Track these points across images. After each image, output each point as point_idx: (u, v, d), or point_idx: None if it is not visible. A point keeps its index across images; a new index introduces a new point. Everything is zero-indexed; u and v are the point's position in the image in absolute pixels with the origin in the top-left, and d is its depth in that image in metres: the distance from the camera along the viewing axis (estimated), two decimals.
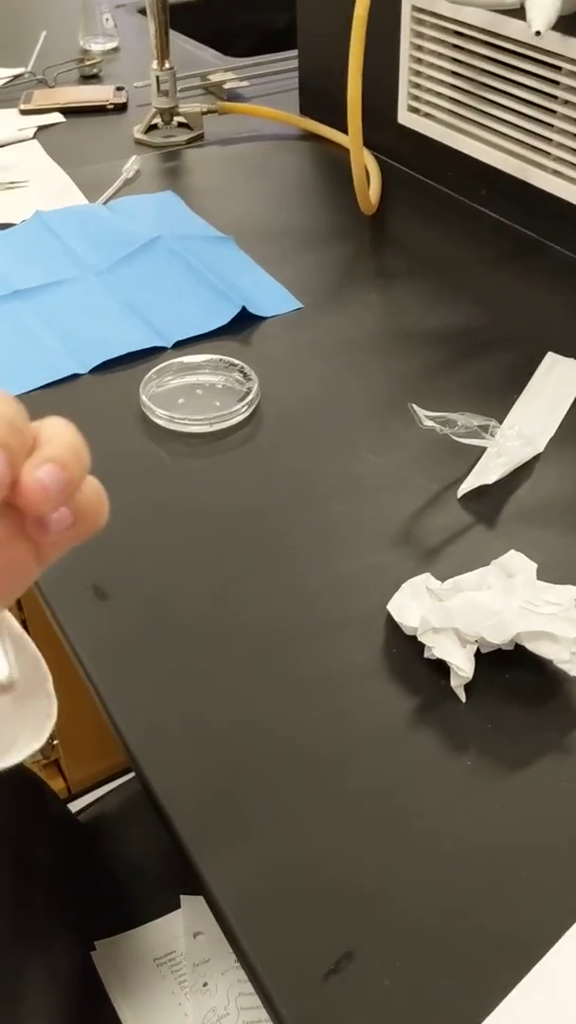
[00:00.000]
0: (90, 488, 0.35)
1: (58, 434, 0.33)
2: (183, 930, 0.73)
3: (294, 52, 1.41)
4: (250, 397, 0.81)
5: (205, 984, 0.70)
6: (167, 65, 1.27)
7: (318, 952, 0.47)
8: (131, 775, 0.89)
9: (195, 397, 0.83)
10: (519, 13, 0.90)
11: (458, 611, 0.58)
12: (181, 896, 0.75)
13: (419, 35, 1.10)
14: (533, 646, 0.57)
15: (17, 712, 0.39)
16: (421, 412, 0.69)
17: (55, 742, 1.26)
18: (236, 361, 0.85)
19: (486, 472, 0.72)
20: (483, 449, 0.75)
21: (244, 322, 0.92)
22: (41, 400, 0.84)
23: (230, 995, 0.69)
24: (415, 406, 0.70)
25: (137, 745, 0.57)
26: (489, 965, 0.46)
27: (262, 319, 0.93)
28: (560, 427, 0.78)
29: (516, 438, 0.74)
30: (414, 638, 0.60)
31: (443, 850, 0.51)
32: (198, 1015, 0.68)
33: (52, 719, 0.38)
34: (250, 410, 0.81)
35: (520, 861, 0.50)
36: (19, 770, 0.74)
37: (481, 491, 0.72)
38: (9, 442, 0.30)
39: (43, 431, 0.33)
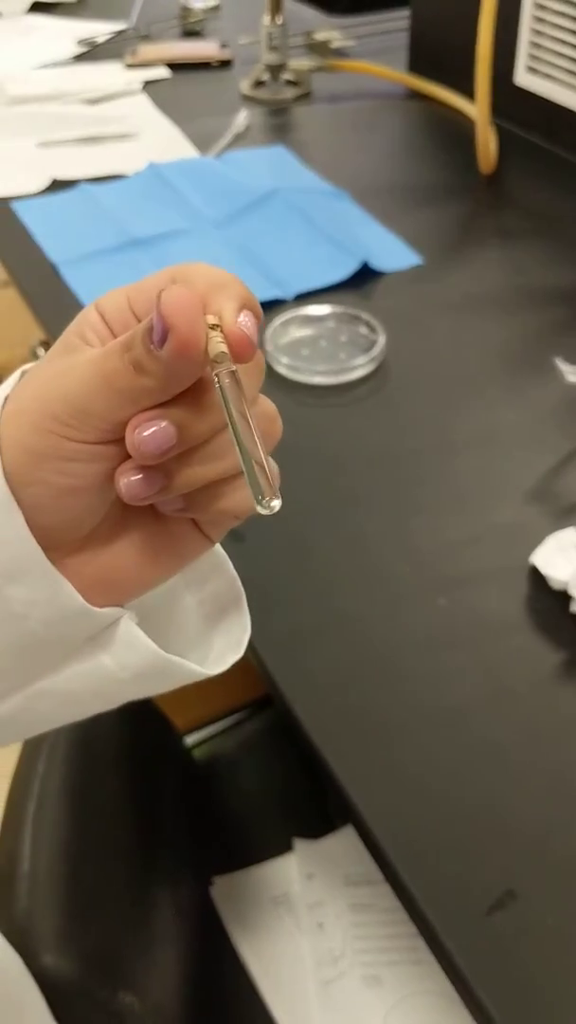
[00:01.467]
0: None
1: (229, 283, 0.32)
2: (297, 871, 0.74)
3: (399, 12, 1.39)
4: (376, 350, 0.81)
5: (320, 925, 0.71)
6: (279, 20, 1.26)
7: (479, 889, 0.47)
8: (237, 717, 0.90)
9: (319, 348, 0.83)
10: None
11: None
12: (294, 839, 0.75)
13: None
14: None
15: (217, 626, 0.40)
16: (565, 367, 0.69)
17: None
18: (362, 314, 0.85)
19: None
20: None
21: (364, 276, 0.92)
22: None
23: (345, 938, 0.70)
24: (560, 361, 0.69)
25: (283, 680, 0.57)
26: None
27: (382, 274, 0.93)
28: None
29: None
30: (558, 593, 0.60)
31: None
32: (314, 954, 0.69)
33: (247, 632, 0.39)
34: (376, 363, 0.81)
35: None
36: (149, 703, 0.75)
37: None
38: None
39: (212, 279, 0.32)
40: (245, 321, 0.31)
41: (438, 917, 0.46)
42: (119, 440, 0.31)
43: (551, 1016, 0.43)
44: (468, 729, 0.54)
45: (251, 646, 0.60)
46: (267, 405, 0.34)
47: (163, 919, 0.64)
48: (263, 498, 0.29)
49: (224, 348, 0.30)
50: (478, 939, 0.45)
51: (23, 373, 0.34)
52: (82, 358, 0.31)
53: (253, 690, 0.91)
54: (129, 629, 0.35)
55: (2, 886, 0.57)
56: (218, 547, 0.39)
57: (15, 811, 0.60)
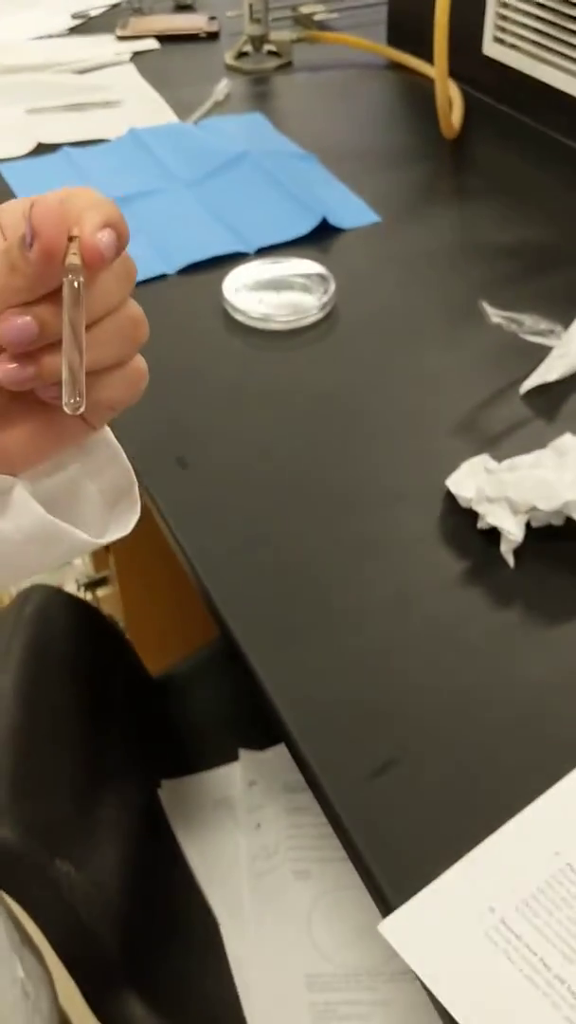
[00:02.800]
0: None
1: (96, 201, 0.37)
2: (240, 778, 0.80)
3: None
4: (327, 298, 0.86)
5: (258, 825, 0.77)
6: None
7: (367, 757, 0.53)
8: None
9: (275, 298, 0.88)
10: None
11: (511, 483, 0.62)
12: (240, 749, 0.81)
13: None
14: None
15: (113, 511, 0.45)
16: (491, 309, 0.74)
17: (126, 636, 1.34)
18: (315, 265, 0.90)
19: (549, 371, 0.76)
20: (547, 351, 0.79)
21: (324, 232, 0.97)
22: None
23: (279, 836, 0.76)
24: (485, 303, 0.74)
25: (214, 588, 0.63)
26: (522, 773, 0.51)
27: (341, 230, 0.98)
28: None
29: None
30: (468, 511, 0.66)
31: (482, 683, 0.56)
32: (250, 851, 0.75)
33: (137, 515, 0.44)
34: (327, 311, 0.86)
35: (555, 694, 0.55)
36: (99, 616, 0.81)
37: (543, 388, 0.76)
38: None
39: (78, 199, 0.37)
40: (102, 236, 0.36)
41: (328, 781, 0.52)
42: None
43: (419, 865, 0.48)
44: (374, 625, 0.60)
45: (189, 563, 0.65)
46: (134, 309, 0.39)
47: (108, 808, 0.70)
48: (63, 400, 0.35)
49: (76, 260, 0.35)
50: (360, 800, 0.51)
51: None
52: None
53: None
54: (22, 495, 0.40)
55: None
56: (114, 441, 0.45)
57: None
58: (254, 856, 0.75)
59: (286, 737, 0.55)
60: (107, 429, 0.45)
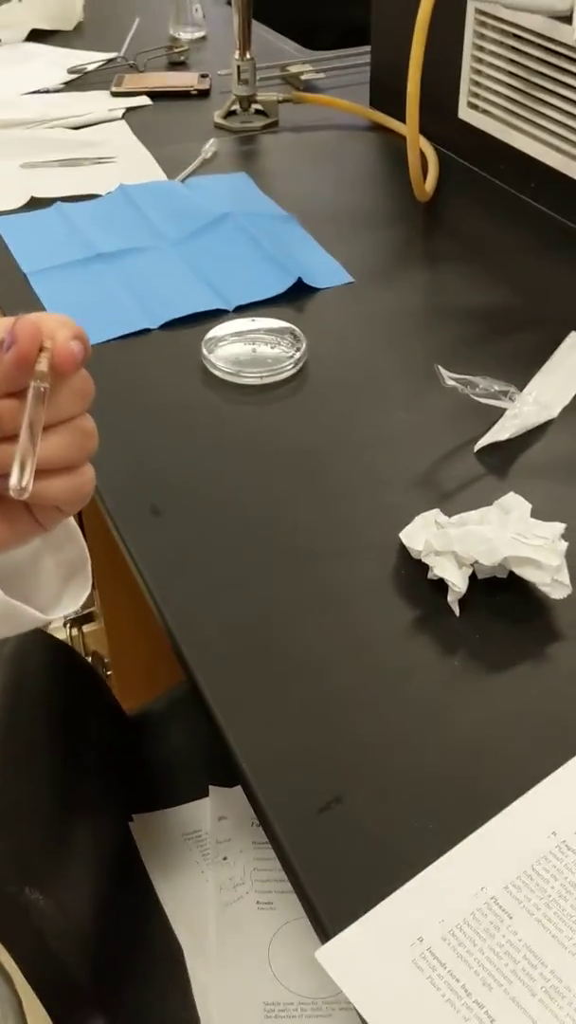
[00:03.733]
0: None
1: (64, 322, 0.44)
2: (210, 813, 0.84)
3: (363, 48, 1.50)
4: (298, 355, 0.91)
5: (225, 858, 0.81)
6: (248, 56, 1.37)
7: (314, 796, 0.57)
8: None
9: (250, 354, 0.93)
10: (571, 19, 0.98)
11: (457, 537, 0.67)
12: (210, 786, 0.85)
13: (481, 36, 1.19)
14: (520, 571, 0.66)
15: (68, 585, 0.51)
16: (445, 373, 0.79)
17: (108, 672, 1.38)
18: (288, 324, 0.95)
19: (502, 430, 0.81)
20: (502, 412, 0.84)
21: (300, 292, 1.02)
22: (115, 349, 0.95)
23: (246, 869, 0.80)
24: (440, 367, 0.79)
25: (180, 633, 0.67)
26: (455, 814, 0.56)
27: (316, 290, 1.03)
28: (575, 397, 0.87)
29: (533, 403, 0.83)
30: (420, 563, 0.70)
31: (427, 726, 0.61)
32: (217, 882, 0.79)
33: (87, 591, 0.50)
34: (298, 367, 0.91)
35: (490, 741, 0.60)
36: (74, 655, 0.86)
37: (496, 447, 0.81)
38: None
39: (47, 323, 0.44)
40: (73, 344, 0.43)
41: (276, 816, 0.56)
42: None
43: (357, 897, 0.53)
44: (328, 674, 0.64)
45: (157, 608, 0.70)
46: (88, 423, 0.45)
47: (80, 842, 0.74)
48: (11, 482, 0.41)
49: (44, 368, 0.42)
50: (306, 834, 0.55)
51: None
52: None
53: None
54: None
55: None
56: (71, 521, 0.50)
57: None
58: (220, 887, 0.79)
59: (240, 777, 0.59)
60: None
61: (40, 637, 0.81)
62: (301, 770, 0.59)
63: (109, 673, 1.38)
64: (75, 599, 0.50)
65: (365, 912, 0.52)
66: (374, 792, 0.57)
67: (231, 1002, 0.73)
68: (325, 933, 0.51)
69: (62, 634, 1.36)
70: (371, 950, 0.50)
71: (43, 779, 0.74)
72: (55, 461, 0.44)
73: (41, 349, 0.42)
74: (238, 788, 0.86)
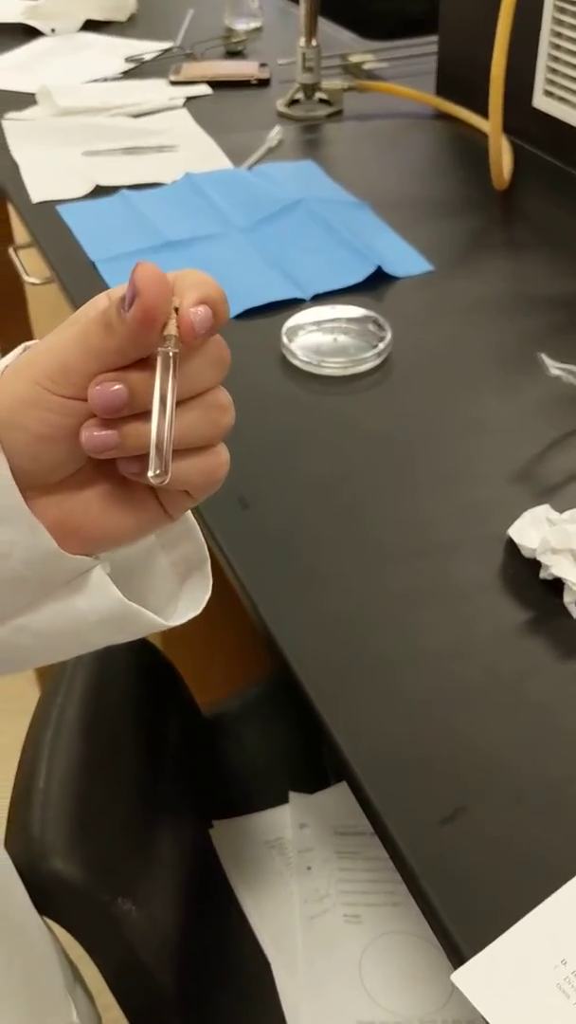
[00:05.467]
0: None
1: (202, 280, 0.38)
2: (290, 821, 0.80)
3: (430, 38, 1.47)
4: (382, 345, 0.88)
5: (309, 868, 0.77)
6: (313, 43, 1.34)
7: (435, 805, 0.53)
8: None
9: (331, 344, 0.90)
10: None
11: None
12: (290, 792, 0.82)
13: (559, 23, 1.15)
14: None
15: (184, 585, 0.46)
16: (549, 361, 0.75)
17: None
18: (371, 313, 0.92)
19: None
20: None
21: (378, 280, 0.99)
22: None
23: (331, 880, 0.76)
24: (544, 355, 0.75)
25: (275, 628, 0.64)
26: None
27: (395, 279, 1.00)
28: None
29: None
30: (530, 561, 0.66)
31: (548, 732, 0.57)
32: (301, 893, 0.76)
33: (208, 592, 0.45)
34: (382, 358, 0.88)
35: None
36: (157, 654, 0.82)
37: None
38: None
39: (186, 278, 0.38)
40: (199, 311, 0.36)
41: (397, 828, 0.53)
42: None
43: (489, 913, 0.49)
44: (435, 674, 0.61)
45: (251, 602, 0.67)
46: (223, 396, 0.39)
47: (164, 846, 0.71)
48: (150, 470, 0.36)
49: (175, 332, 0.36)
50: (431, 846, 0.52)
51: (25, 348, 0.40)
52: (77, 324, 0.37)
53: (266, 671, 0.98)
54: (100, 577, 0.40)
55: (20, 800, 0.64)
56: (189, 516, 0.45)
57: (35, 736, 0.67)
58: (305, 899, 0.75)
59: (351, 779, 0.56)
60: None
61: None
62: (418, 777, 0.55)
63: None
64: (196, 602, 0.45)
65: (501, 932, 0.48)
66: (500, 801, 0.54)
67: (322, 1021, 0.69)
68: (458, 954, 0.48)
69: None
70: (511, 973, 0.46)
71: (127, 781, 0.71)
72: (189, 440, 0.38)
73: (172, 310, 0.36)
74: (319, 794, 0.83)
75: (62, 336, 0.37)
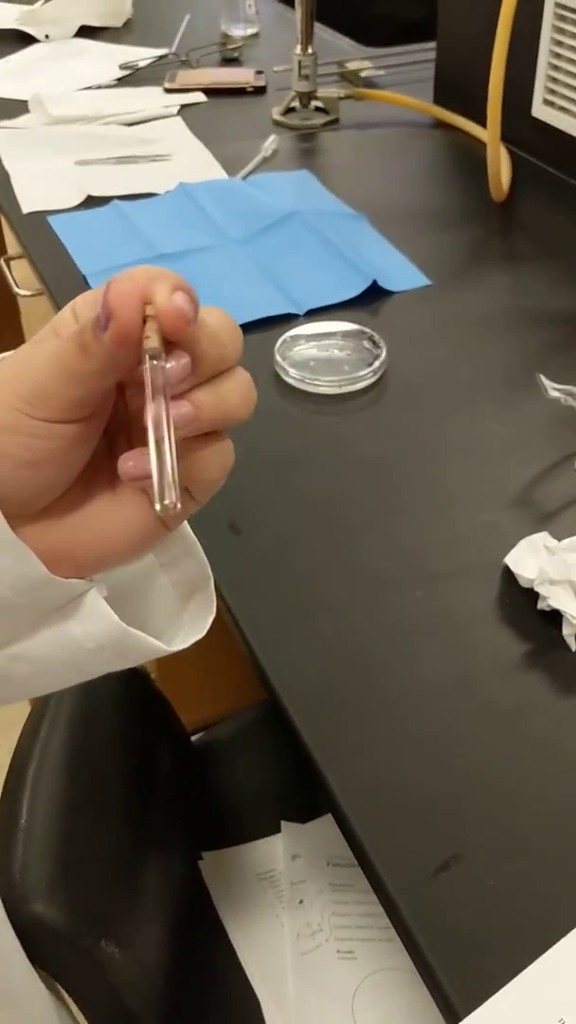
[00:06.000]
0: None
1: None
2: (283, 852, 0.78)
3: (428, 44, 1.45)
4: (378, 363, 0.86)
5: (301, 901, 0.75)
6: (310, 51, 1.32)
7: (429, 852, 0.51)
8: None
9: (325, 361, 0.88)
10: None
11: (575, 564, 0.61)
12: (282, 822, 0.80)
13: (560, 31, 1.13)
14: None
15: (187, 607, 0.44)
16: (548, 383, 0.73)
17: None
18: (366, 329, 0.90)
19: None
20: None
21: (374, 295, 0.97)
22: None
23: (324, 914, 0.74)
24: (543, 377, 0.73)
25: (268, 663, 0.62)
26: None
27: (391, 293, 0.98)
28: None
29: None
30: (527, 591, 0.64)
31: (549, 771, 0.55)
32: (293, 927, 0.73)
33: (212, 614, 0.43)
34: (377, 375, 0.86)
35: None
36: (149, 685, 0.80)
37: None
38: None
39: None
40: (176, 298, 0.33)
41: (390, 877, 0.51)
42: (74, 421, 0.35)
43: (485, 964, 0.47)
44: (432, 709, 0.59)
45: (241, 632, 0.65)
46: (239, 375, 0.37)
47: (151, 882, 0.69)
48: (156, 504, 0.32)
49: (156, 343, 0.33)
50: (423, 897, 0.50)
51: (1, 360, 0.37)
52: (48, 345, 0.35)
53: (259, 694, 0.96)
54: (95, 601, 0.39)
55: (2, 841, 0.62)
56: (190, 533, 0.43)
57: (17, 770, 0.65)
58: (297, 934, 0.73)
59: (341, 821, 0.54)
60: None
61: None
62: (412, 819, 0.53)
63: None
64: (199, 625, 0.43)
65: (498, 988, 0.46)
66: (498, 847, 0.52)
67: None
68: (453, 1013, 0.46)
69: None
70: None
71: (111, 815, 0.69)
72: (219, 421, 0.36)
73: (145, 319, 0.33)
74: (311, 824, 0.81)
75: (34, 358, 0.35)
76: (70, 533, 0.37)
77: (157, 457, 0.32)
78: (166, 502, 0.32)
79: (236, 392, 0.37)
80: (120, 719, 0.73)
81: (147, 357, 0.33)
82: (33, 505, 0.36)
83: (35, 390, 0.34)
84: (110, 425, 0.38)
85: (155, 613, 0.43)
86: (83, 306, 0.37)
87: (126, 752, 0.72)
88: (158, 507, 0.32)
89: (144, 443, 0.33)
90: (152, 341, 0.33)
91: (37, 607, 0.39)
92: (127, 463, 0.36)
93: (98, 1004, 0.60)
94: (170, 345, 0.34)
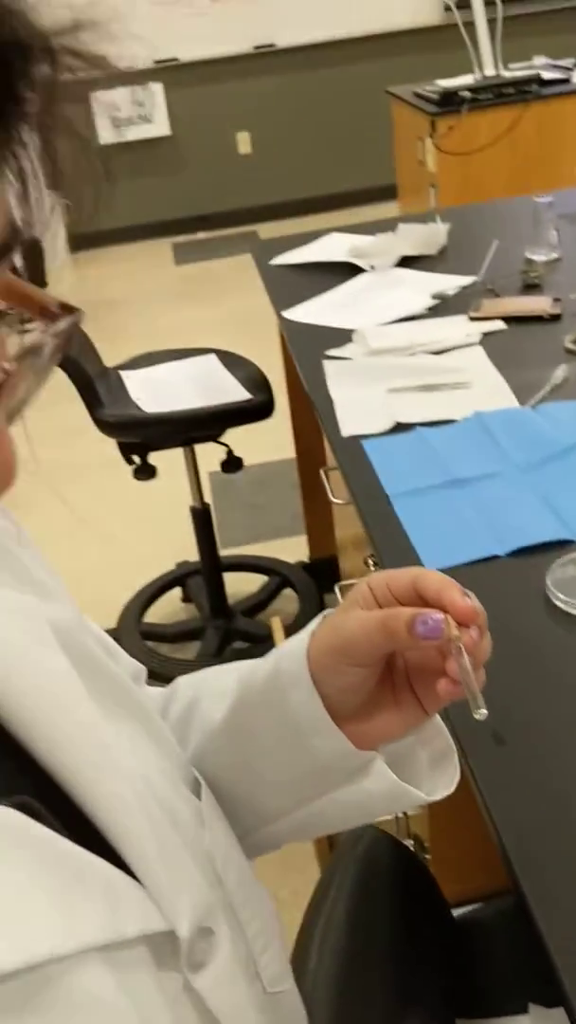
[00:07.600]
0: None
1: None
2: None
3: None
4: None
5: None
6: None
7: None
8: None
9: None
10: None
11: None
12: (530, 1004, 0.89)
13: None
14: None
15: (436, 771, 0.64)
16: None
17: (427, 856, 1.45)
18: None
19: None
20: None
21: None
22: (461, 574, 1.05)
23: None
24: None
25: (517, 860, 0.74)
26: None
27: None
28: None
29: None
30: None
31: None
32: None
33: (456, 777, 0.63)
34: None
35: None
36: (416, 860, 0.94)
37: None
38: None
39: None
40: (467, 600, 0.56)
41: None
42: (376, 663, 0.57)
43: None
44: None
45: (499, 838, 0.77)
46: (486, 643, 0.59)
47: None
48: (476, 714, 0.55)
49: (456, 632, 0.56)
50: None
51: (324, 616, 0.61)
52: (357, 613, 0.58)
53: None
54: (380, 765, 0.60)
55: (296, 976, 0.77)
56: (438, 718, 0.64)
57: (309, 925, 0.81)
58: None
59: (569, 1011, 0.64)
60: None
61: (388, 840, 0.90)
62: None
63: (428, 856, 1.44)
64: (449, 782, 0.63)
65: None
66: None
67: None
68: None
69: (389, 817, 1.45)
70: None
71: (383, 981, 0.82)
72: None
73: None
74: (558, 1010, 0.89)
75: (348, 623, 0.58)
76: (365, 727, 0.60)
77: (470, 689, 0.56)
78: (483, 709, 0.55)
79: (487, 644, 0.59)
80: (391, 890, 0.87)
81: (453, 645, 0.56)
82: (345, 710, 0.59)
83: (346, 646, 0.57)
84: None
85: (414, 777, 0.62)
86: (377, 587, 0.59)
87: (396, 922, 0.86)
88: (477, 716, 0.55)
89: (417, 674, 0.60)
90: (455, 631, 0.56)
91: (344, 769, 0.61)
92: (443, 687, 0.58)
93: None
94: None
